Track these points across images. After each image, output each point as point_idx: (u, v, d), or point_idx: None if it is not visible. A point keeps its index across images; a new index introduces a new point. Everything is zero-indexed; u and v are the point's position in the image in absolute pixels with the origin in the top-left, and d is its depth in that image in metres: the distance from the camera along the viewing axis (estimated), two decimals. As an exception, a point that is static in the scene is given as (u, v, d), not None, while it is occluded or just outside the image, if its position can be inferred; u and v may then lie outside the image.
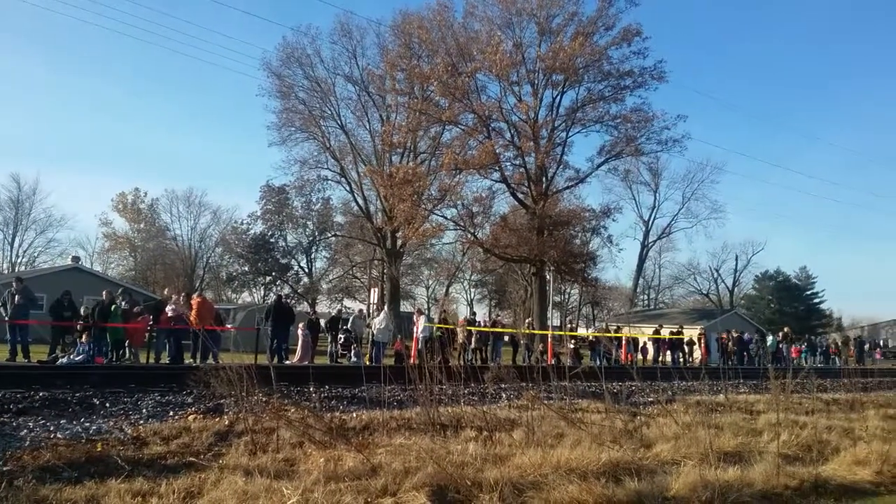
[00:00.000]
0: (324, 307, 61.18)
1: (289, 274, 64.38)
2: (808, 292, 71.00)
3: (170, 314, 17.48)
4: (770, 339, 34.61)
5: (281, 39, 78.10)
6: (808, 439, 9.08)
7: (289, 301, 41.02)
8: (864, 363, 34.75)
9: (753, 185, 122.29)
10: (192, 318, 17.36)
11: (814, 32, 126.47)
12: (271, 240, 63.06)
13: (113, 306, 17.61)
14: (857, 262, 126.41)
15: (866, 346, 42.44)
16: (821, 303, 72.05)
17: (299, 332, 20.80)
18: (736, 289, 72.58)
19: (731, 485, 6.48)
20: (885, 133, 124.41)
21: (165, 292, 21.37)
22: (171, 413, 8.87)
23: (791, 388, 12.53)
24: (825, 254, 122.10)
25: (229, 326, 23.20)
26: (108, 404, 9.20)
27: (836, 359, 36.53)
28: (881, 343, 51.15)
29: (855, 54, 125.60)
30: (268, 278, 63.23)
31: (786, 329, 37.20)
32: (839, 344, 40.22)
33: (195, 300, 18.59)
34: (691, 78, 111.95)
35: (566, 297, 69.16)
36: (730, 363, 28.07)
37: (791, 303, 67.89)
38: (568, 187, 39.52)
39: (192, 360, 17.08)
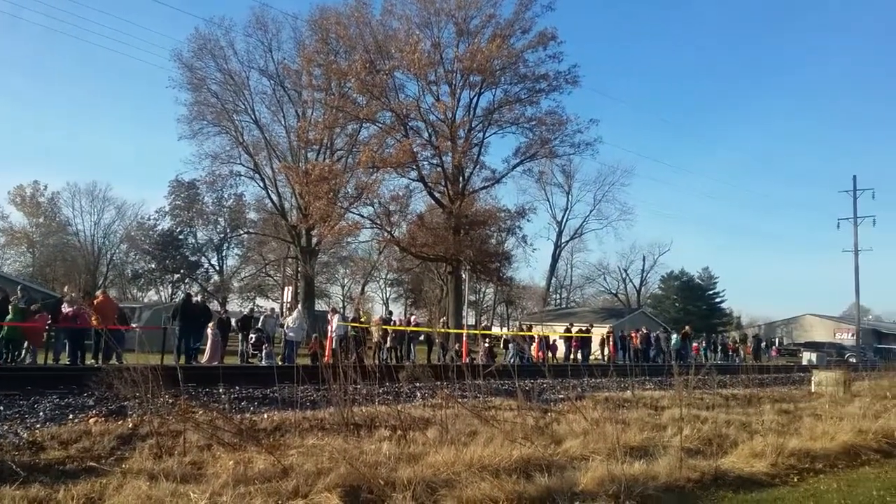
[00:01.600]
0: (235, 306, 59.76)
1: (198, 272, 62.65)
2: (710, 292, 74.09)
3: (64, 311, 16.73)
4: (674, 337, 35.94)
5: (193, 30, 75.69)
6: (709, 433, 9.49)
7: (201, 299, 39.69)
8: (760, 360, 36.58)
9: (661, 187, 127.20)
10: (92, 317, 16.67)
11: (715, 42, 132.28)
12: (180, 236, 61.16)
13: (9, 304, 16.70)
14: (755, 264, 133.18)
15: (763, 344, 44.65)
16: (722, 302, 75.40)
17: (209, 331, 20.25)
18: (643, 288, 75.05)
19: (636, 478, 6.70)
20: (781, 139, 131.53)
21: (66, 290, 20.42)
22: (71, 416, 8.48)
23: (693, 385, 13.08)
24: (726, 255, 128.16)
25: (134, 326, 22.35)
26: (1, 407, 8.72)
27: (735, 356, 38.31)
28: (777, 341, 53.85)
29: (754, 64, 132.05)
30: (176, 276, 61.31)
31: (687, 328, 38.78)
32: (738, 341, 42.19)
33: (97, 298, 17.85)
34: (604, 82, 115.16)
35: (481, 296, 69.89)
36: (636, 360, 28.99)
37: (694, 302, 70.64)
38: (484, 187, 39.99)
39: (94, 361, 16.39)
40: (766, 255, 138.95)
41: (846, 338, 64.48)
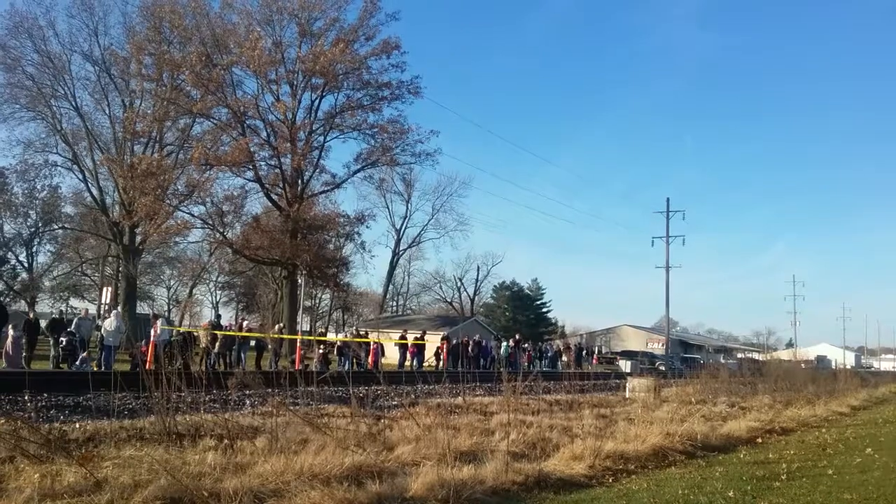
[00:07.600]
0: (46, 306, 55.11)
1: (3, 268, 57.04)
2: (538, 302, 77.45)
3: None
4: (504, 344, 37.27)
5: (8, 6, 69.05)
6: (534, 438, 9.87)
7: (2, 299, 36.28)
8: (581, 367, 38.72)
9: (496, 201, 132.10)
10: None
11: (549, 64, 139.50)
12: (-17, 229, 55.45)
13: None
14: (579, 276, 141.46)
15: (584, 353, 47.32)
16: (548, 312, 79.00)
17: (10, 332, 18.49)
18: (476, 297, 76.97)
19: (465, 483, 6.84)
20: (601, 161, 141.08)
21: None
22: None
23: (521, 391, 13.58)
24: (553, 267, 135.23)
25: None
26: None
27: (559, 363, 40.33)
28: (596, 350, 57.22)
29: (584, 89, 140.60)
30: (-24, 273, 55.47)
31: (517, 336, 40.38)
32: (561, 350, 44.46)
33: None
34: (445, 96, 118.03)
35: (317, 301, 68.99)
36: (469, 367, 29.70)
37: (523, 311, 73.49)
38: (324, 192, 39.55)
39: None
40: (589, 268, 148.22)
41: (657, 347, 69.92)
